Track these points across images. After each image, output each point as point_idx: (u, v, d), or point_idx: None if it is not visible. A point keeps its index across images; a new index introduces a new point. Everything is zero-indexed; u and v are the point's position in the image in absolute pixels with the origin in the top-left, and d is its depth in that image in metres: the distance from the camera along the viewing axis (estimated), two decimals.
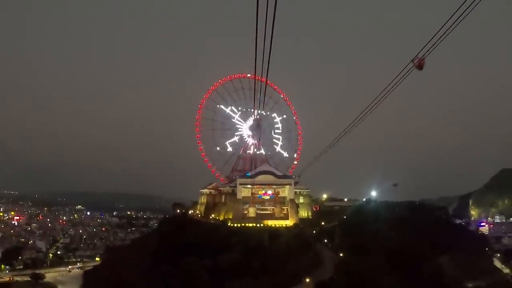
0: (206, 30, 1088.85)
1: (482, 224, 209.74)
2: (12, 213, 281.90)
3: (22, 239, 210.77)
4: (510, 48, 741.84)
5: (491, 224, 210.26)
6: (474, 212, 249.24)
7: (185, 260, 66.61)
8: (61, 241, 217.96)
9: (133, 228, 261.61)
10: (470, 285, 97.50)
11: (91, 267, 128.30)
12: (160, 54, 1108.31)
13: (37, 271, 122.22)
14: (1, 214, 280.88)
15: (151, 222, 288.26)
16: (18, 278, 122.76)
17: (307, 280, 64.48)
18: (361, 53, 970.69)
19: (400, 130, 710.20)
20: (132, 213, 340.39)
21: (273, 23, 10.36)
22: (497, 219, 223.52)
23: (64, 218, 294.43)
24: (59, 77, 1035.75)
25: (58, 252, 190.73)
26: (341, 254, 77.96)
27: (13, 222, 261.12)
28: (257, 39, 10.99)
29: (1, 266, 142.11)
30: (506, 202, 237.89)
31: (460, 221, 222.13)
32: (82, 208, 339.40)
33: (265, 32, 10.65)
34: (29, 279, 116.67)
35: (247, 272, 66.62)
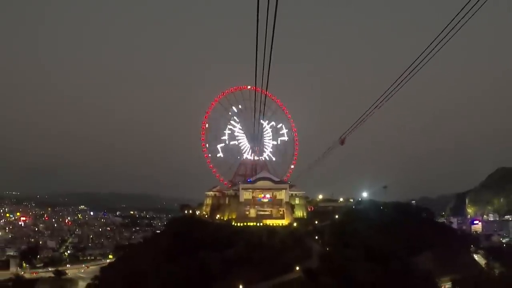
0: (218, 36, 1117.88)
1: (475, 222, 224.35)
2: (18, 214, 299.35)
3: (32, 239, 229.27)
4: (506, 48, 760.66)
5: (484, 222, 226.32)
6: (470, 210, 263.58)
7: (200, 254, 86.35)
8: (69, 240, 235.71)
9: (137, 228, 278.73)
10: (447, 278, 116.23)
11: (107, 263, 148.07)
12: (169, 58, 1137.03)
13: (60, 268, 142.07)
14: (8, 215, 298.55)
15: (155, 222, 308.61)
16: (42, 275, 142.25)
17: (297, 268, 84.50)
18: (357, 59, 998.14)
19: (399, 129, 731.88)
20: (135, 213, 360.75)
21: (272, 38, 11.38)
22: (491, 217, 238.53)
23: (69, 218, 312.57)
24: (63, 78, 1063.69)
25: (68, 251, 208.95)
26: (327, 249, 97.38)
27: (19, 223, 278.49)
28: (257, 53, 12.02)
29: (23, 264, 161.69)
30: (501, 200, 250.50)
31: (456, 219, 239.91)
32: (85, 208, 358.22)
33: (264, 46, 11.79)
34: (52, 275, 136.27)
35: (249, 263, 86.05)
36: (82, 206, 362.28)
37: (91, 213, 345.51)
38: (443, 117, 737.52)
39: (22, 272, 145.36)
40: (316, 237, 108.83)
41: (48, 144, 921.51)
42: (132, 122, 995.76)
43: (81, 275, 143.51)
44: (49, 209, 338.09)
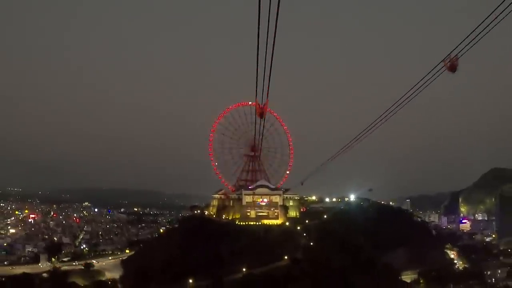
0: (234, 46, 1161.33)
1: (463, 221, 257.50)
2: (26, 211, 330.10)
3: (46, 236, 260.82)
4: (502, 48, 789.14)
5: (472, 221, 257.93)
6: (463, 209, 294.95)
7: (212, 246, 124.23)
8: (81, 236, 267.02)
9: (143, 224, 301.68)
10: (415, 271, 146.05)
11: (126, 257, 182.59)
12: (179, 61, 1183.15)
13: (88, 261, 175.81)
14: (17, 212, 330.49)
15: (160, 219, 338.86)
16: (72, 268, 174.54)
17: (286, 257, 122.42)
18: (352, 66, 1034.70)
19: (399, 128, 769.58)
20: (139, 209, 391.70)
21: (272, 56, 13.38)
22: (480, 216, 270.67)
23: (75, 215, 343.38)
24: (63, 75, 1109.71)
25: (85, 247, 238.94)
26: (311, 243, 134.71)
27: (29, 220, 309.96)
28: (258, 69, 14.04)
29: (51, 259, 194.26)
30: (493, 200, 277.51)
31: (447, 217, 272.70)
32: (89, 205, 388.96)
33: (264, 65, 13.85)
34: (82, 267, 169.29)
35: (250, 253, 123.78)
36: (87, 203, 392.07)
37: (95, 209, 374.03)
38: (440, 114, 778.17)
39: (57, 264, 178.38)
40: (304, 234, 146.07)
41: (49, 139, 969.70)
42: (131, 118, 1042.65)
43: (104, 266, 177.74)
44: (55, 206, 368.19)
